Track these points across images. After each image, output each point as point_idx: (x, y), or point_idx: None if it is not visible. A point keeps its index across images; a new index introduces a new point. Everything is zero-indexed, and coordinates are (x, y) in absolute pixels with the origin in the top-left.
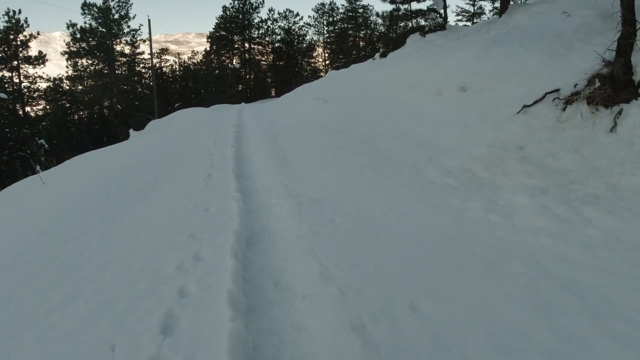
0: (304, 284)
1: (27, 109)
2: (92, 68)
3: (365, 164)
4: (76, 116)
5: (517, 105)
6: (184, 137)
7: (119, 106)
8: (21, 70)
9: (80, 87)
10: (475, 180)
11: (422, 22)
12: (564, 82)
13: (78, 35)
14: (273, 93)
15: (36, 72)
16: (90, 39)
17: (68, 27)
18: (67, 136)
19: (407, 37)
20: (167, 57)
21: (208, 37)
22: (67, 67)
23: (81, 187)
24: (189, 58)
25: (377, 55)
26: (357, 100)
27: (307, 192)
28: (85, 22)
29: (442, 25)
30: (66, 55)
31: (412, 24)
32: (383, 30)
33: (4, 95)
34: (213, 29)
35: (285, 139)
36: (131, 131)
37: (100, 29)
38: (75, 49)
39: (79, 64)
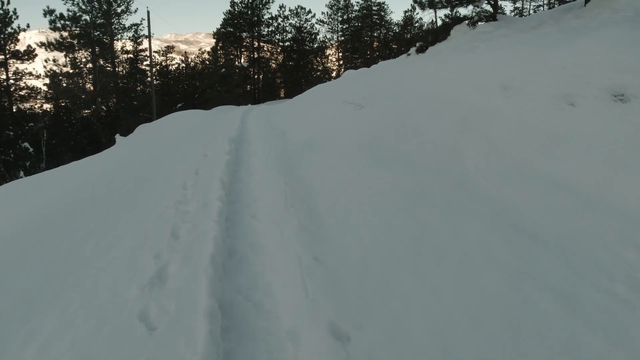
0: None
1: (16, 108)
2: (82, 66)
3: (495, 252)
4: (72, 116)
5: None
6: (160, 155)
7: (103, 107)
8: (9, 67)
9: (63, 85)
10: None
11: (465, 12)
12: None
13: (58, 24)
14: (282, 94)
15: (26, 68)
16: (72, 28)
17: (45, 15)
18: (65, 137)
19: (449, 28)
20: (173, 55)
21: (214, 34)
22: (45, 61)
23: None
24: (196, 57)
25: (413, 50)
26: (408, 106)
27: None
28: (68, 11)
29: (493, 15)
30: (43, 48)
31: (451, 15)
32: (397, 30)
33: None
34: (220, 25)
35: (309, 168)
36: (117, 137)
37: (84, 17)
38: (54, 41)
39: (76, 60)
